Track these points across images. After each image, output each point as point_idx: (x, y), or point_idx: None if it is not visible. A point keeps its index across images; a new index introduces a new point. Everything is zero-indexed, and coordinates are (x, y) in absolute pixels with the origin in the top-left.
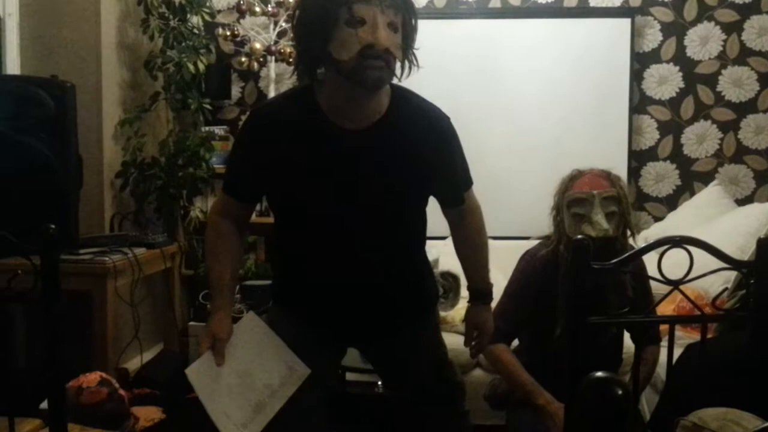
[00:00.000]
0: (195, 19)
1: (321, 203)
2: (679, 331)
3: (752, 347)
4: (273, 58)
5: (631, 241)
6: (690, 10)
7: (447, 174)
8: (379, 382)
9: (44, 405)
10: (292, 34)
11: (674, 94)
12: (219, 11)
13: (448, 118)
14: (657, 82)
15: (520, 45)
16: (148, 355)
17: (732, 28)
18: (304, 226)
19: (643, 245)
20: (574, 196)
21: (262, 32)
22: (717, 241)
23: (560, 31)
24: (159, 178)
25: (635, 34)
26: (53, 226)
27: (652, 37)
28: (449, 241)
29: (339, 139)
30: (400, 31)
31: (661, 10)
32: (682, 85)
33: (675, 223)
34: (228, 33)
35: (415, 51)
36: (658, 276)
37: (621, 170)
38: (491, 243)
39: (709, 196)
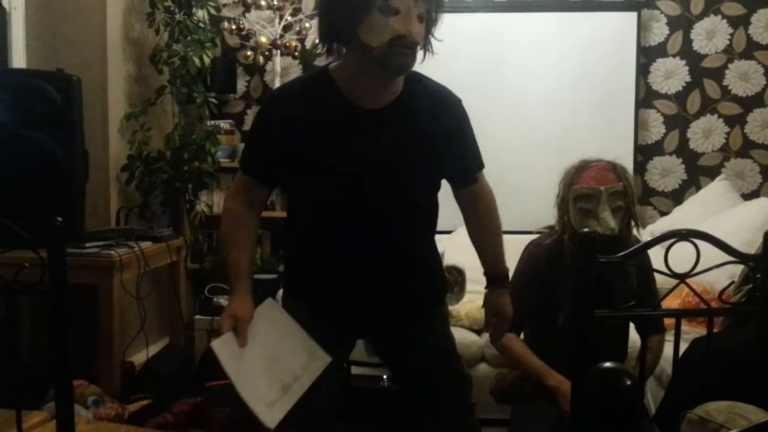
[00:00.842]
0: (200, 13)
1: (338, 181)
2: (684, 326)
3: (758, 341)
4: (278, 52)
5: (635, 231)
6: (696, 4)
7: (459, 152)
8: (385, 377)
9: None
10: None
11: (680, 88)
12: (224, 5)
13: (460, 100)
14: (663, 76)
15: (525, 39)
16: (153, 349)
17: (739, 22)
18: (320, 207)
19: (650, 239)
20: (580, 191)
21: (268, 26)
22: (723, 236)
23: (566, 25)
24: (165, 172)
25: (641, 27)
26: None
27: (659, 30)
28: (454, 236)
29: (357, 117)
30: (425, 20)
31: (667, 4)
32: (688, 79)
33: (681, 218)
34: (233, 27)
35: (435, 40)
36: (665, 269)
37: (627, 164)
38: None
39: (716, 190)
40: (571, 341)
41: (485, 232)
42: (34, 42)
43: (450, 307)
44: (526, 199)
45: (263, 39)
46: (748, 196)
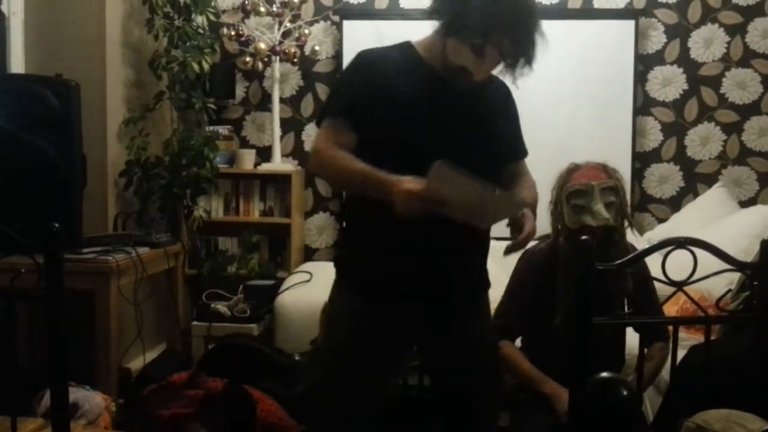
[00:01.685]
0: (200, 19)
1: (418, 145)
2: (682, 333)
3: (756, 349)
4: (277, 58)
5: (629, 231)
6: (694, 12)
7: (516, 128)
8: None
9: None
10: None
11: (678, 96)
12: (224, 11)
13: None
14: (661, 83)
15: None
16: (151, 355)
17: (735, 31)
18: (398, 169)
19: (647, 246)
20: (573, 188)
21: (267, 32)
22: (720, 243)
23: (564, 33)
24: (163, 178)
25: (639, 35)
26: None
27: (656, 38)
28: None
29: (439, 83)
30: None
31: (665, 13)
32: (685, 86)
33: (678, 225)
34: (233, 33)
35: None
36: (662, 277)
37: (624, 172)
38: (495, 243)
39: (713, 197)
40: (568, 347)
41: (522, 182)
42: (32, 47)
43: None
44: None
45: (262, 45)
46: (745, 204)
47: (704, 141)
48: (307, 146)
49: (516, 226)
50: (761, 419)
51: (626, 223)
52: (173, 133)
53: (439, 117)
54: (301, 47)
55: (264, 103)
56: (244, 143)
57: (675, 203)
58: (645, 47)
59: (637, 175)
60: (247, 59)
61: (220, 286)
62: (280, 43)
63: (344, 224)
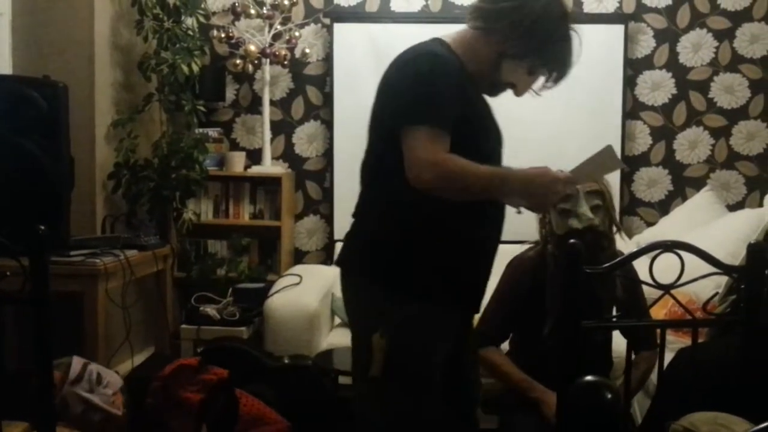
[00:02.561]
0: (189, 21)
1: (486, 150)
2: (670, 336)
3: (743, 351)
4: (268, 60)
5: (617, 236)
6: (683, 17)
7: None
8: None
9: None
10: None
11: (667, 100)
12: (214, 13)
13: None
14: (650, 88)
15: None
16: (139, 358)
17: (724, 36)
18: None
19: (635, 249)
20: None
21: (257, 34)
22: (708, 247)
23: None
24: (152, 180)
25: (628, 40)
26: (42, 227)
27: (645, 43)
28: None
29: (476, 89)
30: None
31: (654, 17)
32: (674, 91)
33: (667, 228)
34: (223, 35)
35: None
36: (650, 280)
37: (614, 175)
38: None
39: (701, 201)
40: (556, 351)
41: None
42: (20, 48)
43: None
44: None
45: (252, 47)
46: (733, 207)
47: (693, 145)
48: (298, 149)
49: None
50: (748, 422)
51: (614, 229)
52: (162, 136)
53: (492, 124)
54: (291, 50)
55: (254, 105)
56: (234, 146)
57: (664, 207)
58: (634, 52)
59: (626, 178)
60: (237, 61)
61: (209, 289)
62: (271, 45)
63: (405, 236)
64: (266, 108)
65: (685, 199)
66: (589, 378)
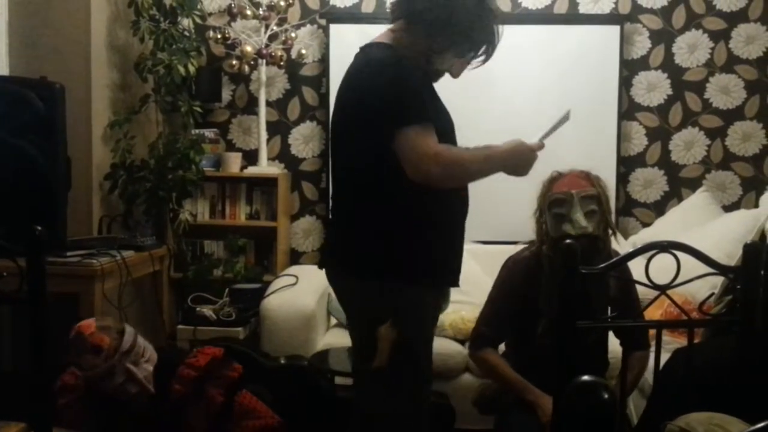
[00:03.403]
0: (186, 22)
1: (452, 137)
2: (666, 336)
3: (739, 352)
4: (264, 61)
5: (612, 239)
6: (678, 18)
7: None
8: None
9: None
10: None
11: (662, 101)
12: (210, 14)
13: None
14: (645, 88)
15: (509, 51)
16: None
17: (719, 36)
18: None
19: (631, 250)
20: (554, 197)
21: (253, 35)
22: (704, 247)
23: (549, 38)
24: (148, 181)
25: (624, 41)
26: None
27: (641, 44)
28: None
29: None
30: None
31: (649, 18)
32: (670, 92)
33: (663, 229)
34: (219, 36)
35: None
36: (646, 281)
37: (610, 176)
38: (481, 247)
39: (697, 202)
40: (552, 351)
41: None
42: (17, 49)
43: None
44: (509, 210)
45: (249, 48)
46: (728, 208)
47: (688, 146)
48: (294, 149)
49: None
50: (743, 422)
51: (610, 231)
52: (159, 136)
53: (446, 111)
54: (287, 50)
55: (250, 106)
56: (231, 146)
57: (659, 207)
58: (630, 52)
59: (622, 179)
60: (234, 62)
61: (205, 289)
62: (267, 46)
63: (400, 227)
64: (262, 109)
65: (680, 199)
66: (585, 378)
